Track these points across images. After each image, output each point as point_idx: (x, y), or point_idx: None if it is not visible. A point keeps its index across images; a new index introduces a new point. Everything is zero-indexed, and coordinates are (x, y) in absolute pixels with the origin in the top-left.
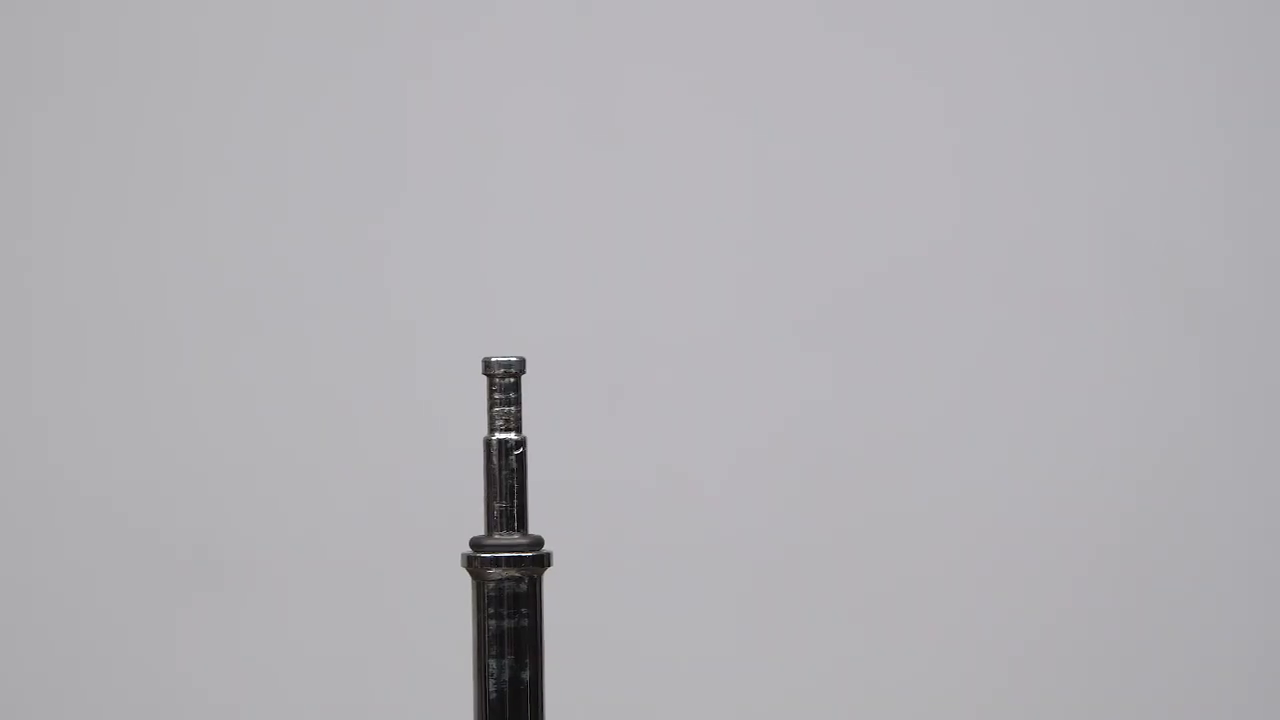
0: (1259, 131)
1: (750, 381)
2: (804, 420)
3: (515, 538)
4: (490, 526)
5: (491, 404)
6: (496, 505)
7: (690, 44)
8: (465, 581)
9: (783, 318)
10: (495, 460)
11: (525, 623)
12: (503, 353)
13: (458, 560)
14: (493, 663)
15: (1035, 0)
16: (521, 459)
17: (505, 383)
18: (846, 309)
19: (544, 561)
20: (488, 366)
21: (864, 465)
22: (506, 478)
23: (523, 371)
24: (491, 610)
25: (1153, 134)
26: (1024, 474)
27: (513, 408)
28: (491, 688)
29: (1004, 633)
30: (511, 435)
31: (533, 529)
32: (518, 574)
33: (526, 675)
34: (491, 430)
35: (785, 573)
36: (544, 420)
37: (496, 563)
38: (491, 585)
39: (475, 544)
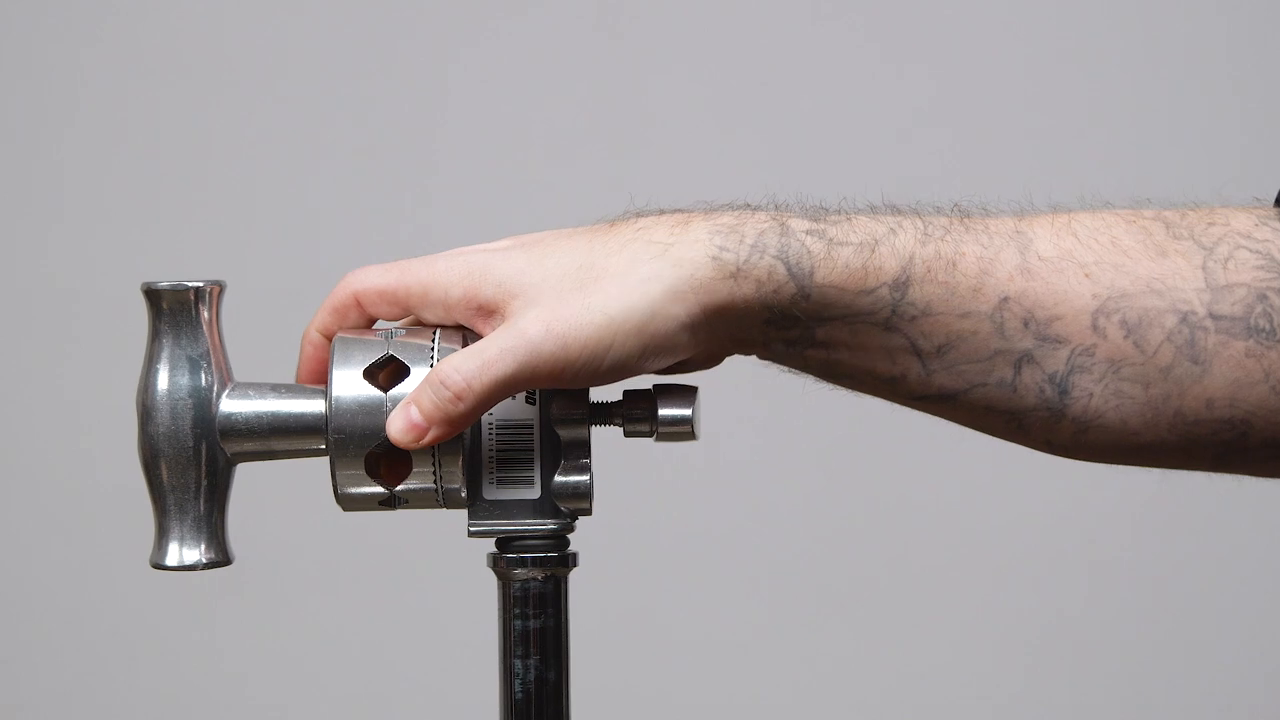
0: (1271, 126)
1: (763, 380)
2: (816, 418)
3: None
4: None
5: None
6: None
7: (706, 48)
8: (491, 582)
9: None
10: None
11: (551, 623)
12: None
13: (484, 561)
14: (518, 663)
15: None
16: None
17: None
18: None
19: (569, 562)
20: None
21: (878, 462)
22: None
23: None
24: (517, 611)
25: (1162, 130)
26: (1039, 469)
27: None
28: (518, 688)
29: (1018, 629)
30: None
31: None
32: (543, 575)
33: (552, 676)
34: None
35: (806, 571)
36: None
37: (522, 563)
38: (517, 586)
39: (501, 544)
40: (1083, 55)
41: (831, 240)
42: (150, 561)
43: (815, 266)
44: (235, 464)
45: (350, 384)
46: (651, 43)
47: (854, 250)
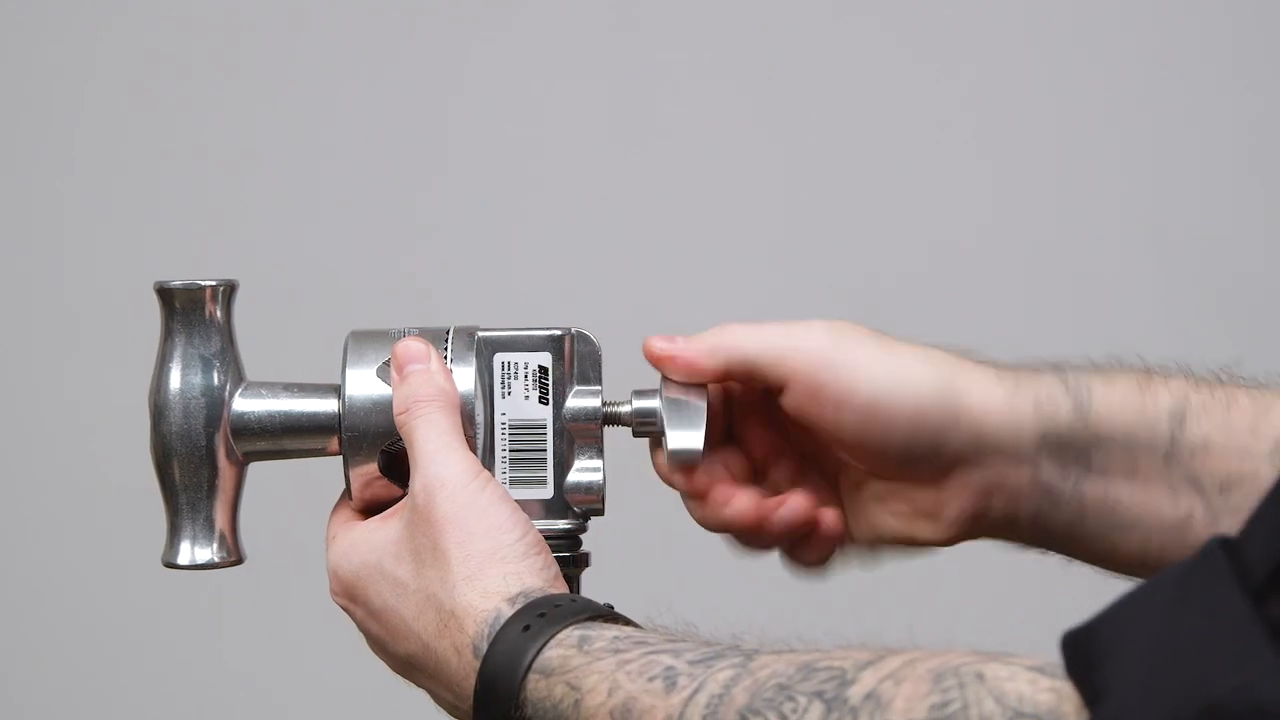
0: None
1: None
2: None
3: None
4: None
5: None
6: None
7: (724, 42)
8: None
9: (816, 306)
10: None
11: None
12: None
13: None
14: None
15: None
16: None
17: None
18: (878, 298)
19: (582, 562)
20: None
21: None
22: None
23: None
24: None
25: (1183, 122)
26: None
27: None
28: None
29: (1021, 628)
30: None
31: None
32: None
33: None
34: None
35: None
36: None
37: None
38: None
39: None
40: (1106, 55)
41: (1107, 376)
42: (162, 560)
43: (1094, 390)
44: (248, 463)
45: (363, 383)
46: (668, 40)
47: (1130, 383)
